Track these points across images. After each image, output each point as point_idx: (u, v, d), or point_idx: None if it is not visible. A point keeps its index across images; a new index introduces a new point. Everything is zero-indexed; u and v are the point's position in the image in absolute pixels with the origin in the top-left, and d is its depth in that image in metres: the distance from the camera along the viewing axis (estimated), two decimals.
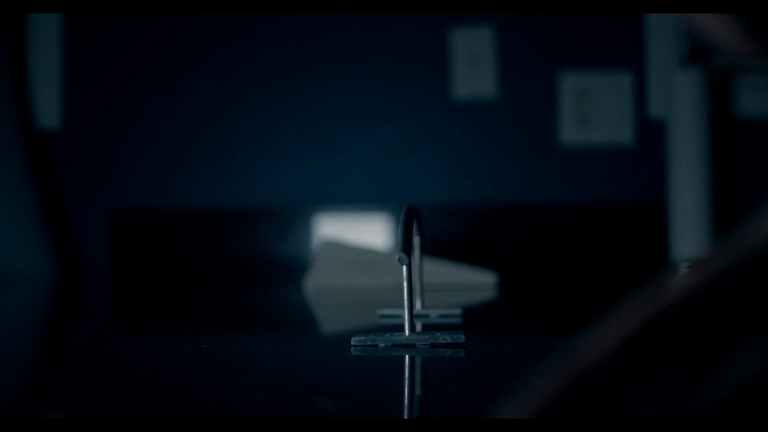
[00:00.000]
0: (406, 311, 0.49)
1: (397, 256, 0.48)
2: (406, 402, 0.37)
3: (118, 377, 0.43)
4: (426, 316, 0.64)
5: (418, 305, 0.65)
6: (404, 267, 0.48)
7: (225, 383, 0.42)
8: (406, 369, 0.45)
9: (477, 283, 1.00)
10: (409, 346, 0.49)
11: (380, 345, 0.49)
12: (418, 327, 0.60)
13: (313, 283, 1.01)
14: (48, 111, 1.62)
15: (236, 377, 0.43)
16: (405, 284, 0.49)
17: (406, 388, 0.40)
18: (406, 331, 0.49)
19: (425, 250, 0.66)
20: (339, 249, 1.04)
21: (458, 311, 0.66)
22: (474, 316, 0.70)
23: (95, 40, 1.64)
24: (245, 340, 0.58)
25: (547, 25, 1.59)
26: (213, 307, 0.89)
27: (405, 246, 0.48)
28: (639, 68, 1.58)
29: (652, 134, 1.56)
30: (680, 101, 1.44)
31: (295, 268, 1.43)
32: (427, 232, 0.65)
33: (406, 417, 0.34)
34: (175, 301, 0.96)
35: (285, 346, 0.55)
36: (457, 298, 0.87)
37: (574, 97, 1.57)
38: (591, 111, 1.57)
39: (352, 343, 0.49)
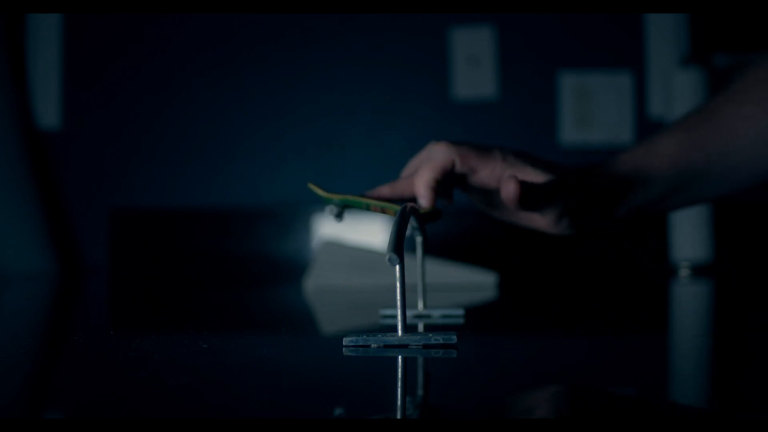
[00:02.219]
0: (399, 312, 0.49)
1: (387, 257, 0.48)
2: (388, 402, 0.37)
3: (118, 377, 0.43)
4: (428, 316, 0.64)
5: (420, 305, 0.64)
6: (397, 267, 0.48)
7: (225, 383, 0.41)
8: (396, 369, 0.45)
9: (477, 283, 1.00)
10: (401, 347, 0.48)
11: (372, 345, 0.49)
12: (420, 327, 0.60)
13: (312, 283, 1.00)
14: (48, 111, 1.62)
15: (236, 377, 0.43)
16: (398, 284, 0.48)
17: (392, 388, 0.40)
18: (399, 332, 0.49)
19: (427, 250, 0.66)
20: (339, 249, 1.04)
21: (461, 311, 0.65)
22: (473, 316, 0.70)
23: (95, 40, 1.64)
24: (245, 340, 0.58)
25: (547, 25, 1.59)
26: (213, 307, 0.89)
27: (396, 246, 0.48)
28: (639, 68, 1.58)
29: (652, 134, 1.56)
30: (680, 101, 1.44)
31: (295, 268, 1.43)
32: (427, 231, 0.65)
33: (390, 417, 0.34)
34: (175, 301, 0.96)
35: (284, 347, 0.55)
36: (458, 298, 0.87)
37: (574, 97, 1.57)
38: (591, 111, 1.57)
39: (344, 343, 0.49)
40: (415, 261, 0.65)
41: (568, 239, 1.55)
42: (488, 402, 0.38)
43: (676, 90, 1.45)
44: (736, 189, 0.74)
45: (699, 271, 1.35)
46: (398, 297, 0.49)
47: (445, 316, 0.64)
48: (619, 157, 0.71)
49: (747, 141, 0.72)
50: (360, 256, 1.04)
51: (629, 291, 1.06)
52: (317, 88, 1.62)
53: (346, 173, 1.61)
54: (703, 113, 0.74)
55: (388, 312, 0.66)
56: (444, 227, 1.53)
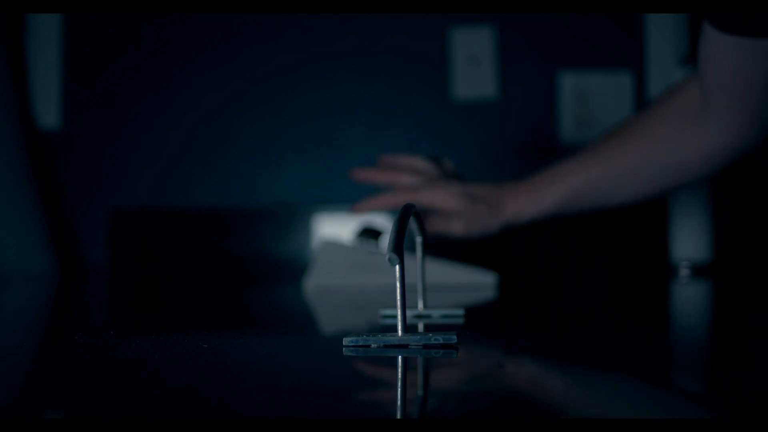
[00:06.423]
0: (399, 312, 0.49)
1: (387, 257, 0.48)
2: (386, 402, 0.37)
3: (118, 377, 0.43)
4: (428, 316, 0.64)
5: (420, 305, 0.64)
6: (397, 267, 0.48)
7: (225, 383, 0.41)
8: (396, 369, 0.45)
9: (477, 283, 1.00)
10: (401, 347, 0.48)
11: (372, 345, 0.49)
12: (420, 327, 0.60)
13: (312, 283, 1.00)
14: (48, 111, 1.62)
15: (236, 377, 0.43)
16: (398, 284, 0.48)
17: (392, 388, 0.40)
18: (399, 332, 0.49)
19: (427, 250, 0.66)
20: (339, 249, 1.04)
21: (461, 312, 0.65)
22: (473, 316, 0.70)
23: (95, 40, 1.64)
24: (245, 340, 0.58)
25: (547, 25, 1.59)
26: (213, 307, 0.89)
27: (396, 246, 0.48)
28: (639, 68, 1.58)
29: None
30: None
31: (295, 268, 1.43)
32: (427, 231, 0.65)
33: (390, 417, 0.34)
34: (175, 301, 0.96)
35: (284, 347, 0.55)
36: (458, 298, 0.87)
37: (573, 97, 1.57)
38: (591, 111, 1.57)
39: (344, 343, 0.49)
40: (415, 261, 0.65)
41: (571, 237, 1.55)
42: (488, 402, 0.38)
43: None
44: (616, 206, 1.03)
45: (699, 271, 1.35)
46: (398, 297, 0.49)
47: (445, 316, 0.64)
48: (532, 177, 1.02)
49: (620, 173, 0.97)
50: (360, 256, 1.04)
51: (629, 291, 1.06)
52: (317, 88, 1.62)
53: (346, 173, 1.61)
54: (596, 148, 1.00)
55: (388, 312, 0.66)
56: None
